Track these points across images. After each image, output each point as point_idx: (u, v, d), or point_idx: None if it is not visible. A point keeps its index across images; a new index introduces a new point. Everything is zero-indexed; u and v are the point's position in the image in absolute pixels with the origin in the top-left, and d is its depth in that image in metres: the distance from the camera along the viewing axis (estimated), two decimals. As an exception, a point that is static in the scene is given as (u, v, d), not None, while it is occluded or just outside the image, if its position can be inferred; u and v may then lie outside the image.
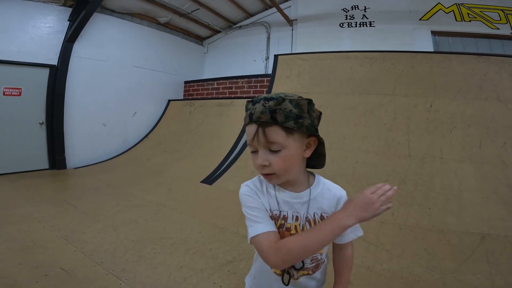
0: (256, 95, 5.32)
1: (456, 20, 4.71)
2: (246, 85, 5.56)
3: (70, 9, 4.70)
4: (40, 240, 2.23)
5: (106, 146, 5.16)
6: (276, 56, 5.25)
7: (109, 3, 5.05)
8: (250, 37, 6.47)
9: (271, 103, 0.63)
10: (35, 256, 1.98)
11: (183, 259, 1.98)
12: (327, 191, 0.74)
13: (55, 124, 4.56)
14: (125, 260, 1.93)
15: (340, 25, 5.41)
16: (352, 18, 5.33)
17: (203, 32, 6.88)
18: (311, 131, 0.66)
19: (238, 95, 5.62)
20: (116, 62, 5.33)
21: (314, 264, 0.75)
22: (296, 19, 5.85)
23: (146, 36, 5.81)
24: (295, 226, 0.72)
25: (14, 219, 2.60)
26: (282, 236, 0.70)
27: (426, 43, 4.74)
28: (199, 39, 7.16)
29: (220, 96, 5.89)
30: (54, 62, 4.59)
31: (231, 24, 6.69)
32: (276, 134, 0.63)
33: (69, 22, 4.69)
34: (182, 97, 6.59)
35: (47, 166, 4.62)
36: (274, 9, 5.92)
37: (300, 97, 0.66)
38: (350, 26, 5.33)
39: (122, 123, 5.42)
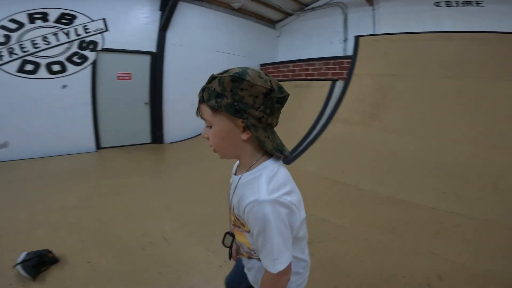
0: (336, 77, 5.13)
1: None
2: (324, 67, 5.33)
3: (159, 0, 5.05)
4: (147, 208, 2.49)
5: (195, 123, 5.62)
6: (357, 37, 4.92)
7: None
8: (324, 18, 6.14)
9: (207, 84, 0.63)
10: (142, 223, 2.21)
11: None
12: (250, 183, 0.64)
13: (156, 104, 5.17)
14: (213, 232, 2.02)
15: (435, 4, 4.71)
16: None
17: (274, 15, 6.76)
18: (230, 112, 0.60)
19: (315, 77, 5.45)
20: (200, 47, 5.67)
21: (245, 253, 0.75)
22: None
23: (223, 21, 5.98)
24: (229, 203, 0.74)
25: (128, 188, 3.01)
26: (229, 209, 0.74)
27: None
28: (271, 23, 7.08)
29: (296, 78, 5.77)
30: (153, 49, 5.10)
31: (302, 6, 6.41)
32: (204, 111, 0.64)
33: (160, 11, 5.08)
34: (257, 80, 6.67)
35: (149, 141, 5.34)
36: None
37: (236, 73, 0.59)
38: (449, 5, 4.58)
39: (207, 103, 5.81)
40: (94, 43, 4.49)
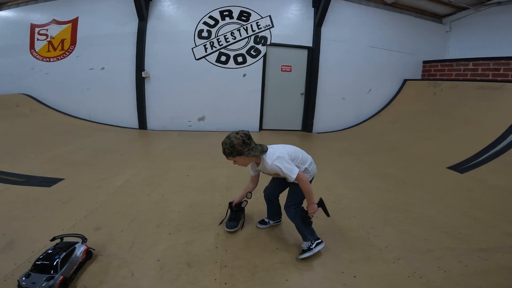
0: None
1: None
2: (525, 67, 4.03)
3: None
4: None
5: (343, 117, 5.56)
6: None
7: None
8: None
9: (223, 147, 1.46)
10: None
11: (427, 233, 1.85)
12: (266, 164, 1.46)
13: (310, 95, 5.35)
14: (374, 220, 2.01)
15: None
16: None
17: (440, 9, 5.70)
18: (239, 154, 1.44)
19: (509, 78, 4.21)
20: (353, 42, 5.42)
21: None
22: None
23: (377, 16, 5.49)
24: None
25: None
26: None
27: None
28: (437, 17, 5.98)
29: (478, 78, 4.67)
30: (310, 44, 5.23)
31: (483, 0, 5.12)
32: (231, 157, 1.47)
33: (313, 8, 5.12)
34: (420, 77, 5.86)
35: (300, 128, 5.62)
36: None
37: (235, 138, 1.43)
38: None
39: (358, 98, 5.60)
40: (265, 38, 5.01)
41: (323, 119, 5.46)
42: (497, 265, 1.52)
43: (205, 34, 4.79)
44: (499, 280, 1.39)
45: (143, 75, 4.69)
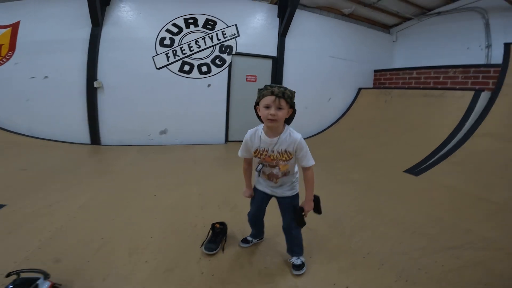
0: (476, 87, 4.48)
1: None
2: (461, 75, 4.74)
3: (276, 6, 5.30)
4: None
5: (306, 126, 5.78)
6: (507, 45, 4.24)
7: None
8: (455, 23, 5.50)
9: (281, 89, 1.28)
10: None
11: (402, 235, 1.99)
12: (288, 137, 1.35)
13: (275, 105, 5.44)
14: (352, 226, 2.08)
15: None
16: None
17: (389, 20, 6.38)
18: (292, 106, 1.33)
19: (448, 85, 4.87)
20: (315, 52, 5.74)
21: (282, 176, 1.45)
22: None
23: (335, 27, 5.94)
24: (272, 155, 1.39)
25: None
26: (267, 160, 1.42)
27: None
28: (385, 27, 6.72)
29: (421, 86, 5.27)
30: (274, 54, 5.40)
31: (424, 11, 5.89)
32: (283, 102, 1.27)
33: (278, 18, 5.34)
34: (371, 86, 6.40)
35: (265, 138, 5.65)
36: None
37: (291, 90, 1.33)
38: None
39: (319, 107, 5.91)
40: (230, 47, 5.02)
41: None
42: (469, 261, 1.68)
43: (167, 42, 4.62)
44: (476, 276, 1.53)
45: (95, 85, 4.30)
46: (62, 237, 1.78)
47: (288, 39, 5.41)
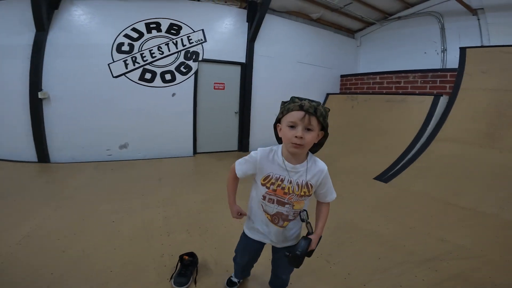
0: (435, 91, 4.76)
1: None
2: (420, 80, 5.01)
3: (245, 11, 5.21)
4: None
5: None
6: (463, 49, 4.54)
7: (271, 3, 5.26)
8: (414, 28, 5.83)
9: (314, 103, 0.98)
10: None
11: (380, 250, 1.99)
12: (314, 166, 1.08)
13: (245, 113, 5.35)
14: (329, 244, 2.02)
15: None
16: None
17: (354, 25, 6.63)
18: (325, 127, 1.03)
19: (409, 90, 5.12)
20: (283, 58, 5.74)
21: (293, 217, 1.15)
22: (482, 8, 4.86)
23: (303, 32, 6.00)
24: (289, 187, 1.07)
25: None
26: (279, 193, 1.09)
27: None
28: (350, 32, 6.96)
29: (385, 91, 5.51)
30: (243, 60, 5.29)
31: (386, 16, 6.18)
32: (314, 121, 0.98)
33: (247, 23, 5.26)
34: (338, 91, 6.55)
35: (236, 148, 5.53)
36: None
37: (325, 107, 1.02)
38: None
39: (289, 114, 5.82)
40: (196, 53, 4.81)
41: (258, 137, 5.52)
42: (449, 273, 1.69)
43: (126, 48, 4.27)
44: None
45: (40, 96, 3.82)
46: (3, 274, 1.51)
47: (257, 45, 5.32)
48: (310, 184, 1.06)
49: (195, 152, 4.97)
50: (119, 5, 4.24)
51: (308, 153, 1.09)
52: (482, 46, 4.54)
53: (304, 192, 1.07)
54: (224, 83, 5.19)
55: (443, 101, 4.39)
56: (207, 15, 4.89)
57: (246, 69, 5.28)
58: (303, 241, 1.04)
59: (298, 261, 1.02)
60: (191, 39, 4.77)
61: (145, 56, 4.39)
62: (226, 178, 1.23)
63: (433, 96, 4.45)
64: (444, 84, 4.67)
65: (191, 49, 4.77)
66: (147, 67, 4.42)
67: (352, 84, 6.28)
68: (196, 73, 4.82)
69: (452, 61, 4.88)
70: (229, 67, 5.22)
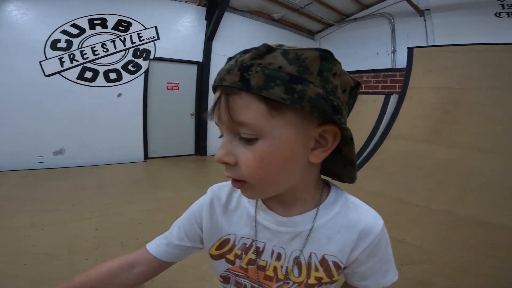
0: (386, 91, 5.01)
1: None
2: (372, 79, 5.26)
3: (204, 8, 5.13)
4: None
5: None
6: (410, 49, 4.82)
7: (232, 1, 5.26)
8: (368, 29, 6.12)
9: (247, 55, 0.35)
10: None
11: None
12: (344, 219, 0.45)
13: (201, 115, 5.20)
14: None
15: (496, 14, 4.63)
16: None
17: (314, 26, 6.82)
18: (324, 112, 0.34)
19: (363, 90, 5.34)
20: (243, 58, 5.67)
21: None
22: (429, 9, 5.23)
23: (264, 32, 6.04)
24: (274, 266, 0.46)
25: (186, 201, 2.93)
26: (253, 276, 0.47)
27: None
28: (311, 34, 7.15)
29: (342, 91, 5.67)
30: (200, 59, 5.17)
31: (344, 17, 6.45)
32: (248, 108, 0.34)
33: (206, 21, 5.17)
34: (300, 92, 6.63)
35: (193, 152, 5.34)
36: (394, 0, 5.50)
37: (321, 49, 0.35)
38: (511, 16, 4.47)
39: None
40: (147, 52, 4.59)
41: (217, 140, 5.31)
42: (412, 280, 1.69)
43: (62, 44, 3.92)
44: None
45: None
46: None
47: (216, 44, 5.22)
48: (334, 262, 0.45)
49: (146, 157, 4.70)
50: (59, 0, 3.90)
51: (326, 184, 0.50)
52: (427, 46, 4.88)
53: (318, 279, 0.45)
54: (178, 83, 5.01)
55: (393, 99, 4.62)
56: (163, 12, 4.71)
57: (203, 68, 5.16)
58: None
59: None
60: (141, 37, 4.54)
61: (85, 54, 4.07)
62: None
63: (384, 95, 4.68)
64: (394, 83, 4.94)
65: (142, 47, 4.54)
66: (88, 65, 4.10)
67: (312, 85, 6.42)
68: (146, 72, 4.58)
69: (402, 61, 5.17)
70: (184, 66, 5.06)
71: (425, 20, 5.30)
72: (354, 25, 6.34)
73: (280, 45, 0.36)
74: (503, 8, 4.52)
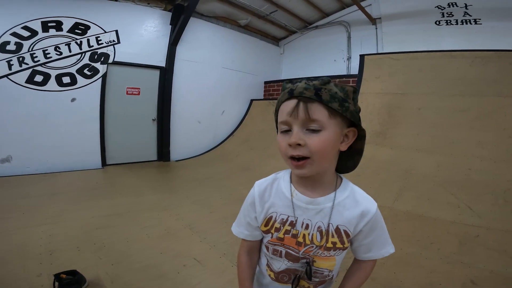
0: (342, 96, 5.42)
1: None
2: (330, 85, 5.61)
3: (170, 13, 5.24)
4: (171, 228, 2.48)
5: (200, 141, 5.77)
6: (362, 56, 5.28)
7: (198, 7, 5.41)
8: (327, 37, 6.57)
9: (315, 82, 0.60)
10: (171, 245, 2.19)
11: None
12: (352, 201, 0.67)
13: (164, 120, 5.25)
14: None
15: (436, 23, 5.20)
16: (450, 15, 5.08)
17: (279, 33, 7.18)
18: (355, 119, 0.61)
19: (321, 95, 5.71)
20: (208, 63, 5.87)
21: (318, 280, 0.72)
22: (380, 18, 5.77)
23: (230, 38, 6.27)
24: (303, 234, 0.67)
25: (145, 206, 2.99)
26: (288, 244, 0.69)
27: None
28: (275, 40, 7.50)
29: (302, 96, 6.04)
30: (163, 64, 5.25)
31: (306, 24, 6.88)
32: (319, 111, 0.58)
33: (170, 26, 5.28)
34: (262, 97, 7.00)
35: (155, 158, 5.35)
36: (352, 8, 6.00)
37: (348, 85, 0.63)
38: (449, 23, 5.09)
39: (213, 120, 6.00)
40: (106, 55, 4.57)
41: (180, 145, 5.47)
42: (376, 274, 1.76)
43: (11, 47, 3.80)
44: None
45: None
46: None
47: (180, 48, 5.33)
48: (345, 230, 0.67)
49: (104, 164, 4.64)
50: (11, 2, 3.80)
51: (339, 176, 0.71)
52: (376, 54, 5.38)
53: (334, 244, 0.67)
54: (139, 88, 5.03)
55: (347, 104, 5.05)
56: (125, 16, 4.74)
57: (166, 73, 5.23)
58: None
59: None
60: (100, 40, 4.52)
61: (36, 57, 3.97)
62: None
63: (340, 101, 5.08)
64: (348, 89, 5.39)
65: (100, 51, 4.51)
66: (39, 68, 4.00)
67: (274, 90, 6.79)
68: (104, 76, 4.55)
69: (356, 68, 5.65)
70: (146, 71, 5.09)
71: (376, 28, 5.84)
72: (315, 33, 6.79)
73: (330, 80, 0.62)
74: (443, 16, 5.10)
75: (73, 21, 4.28)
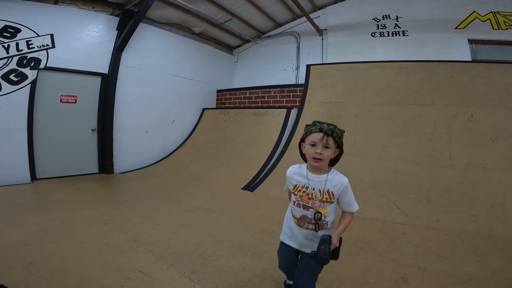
0: (289, 105, 5.80)
1: (493, 29, 4.80)
2: (278, 94, 5.99)
3: (117, 18, 5.16)
4: (112, 242, 2.43)
5: (148, 152, 5.65)
6: (308, 66, 5.64)
7: (150, 13, 5.31)
8: (279, 46, 6.92)
9: (331, 126, 1.36)
10: (113, 258, 2.15)
11: (243, 261, 2.16)
12: (335, 177, 1.41)
13: (105, 130, 5.07)
14: (193, 262, 2.12)
15: (372, 34, 5.71)
16: (383, 27, 5.62)
17: (233, 41, 7.38)
18: (341, 145, 1.40)
19: (271, 104, 6.06)
20: (157, 71, 5.83)
21: (317, 224, 1.41)
22: (326, 29, 6.21)
23: (183, 45, 6.32)
24: (312, 193, 1.42)
25: (82, 221, 2.87)
26: (304, 199, 1.43)
27: (463, 52, 4.87)
28: (229, 48, 7.68)
29: (253, 105, 6.33)
30: (105, 70, 5.11)
31: (260, 34, 7.18)
32: (331, 140, 1.35)
33: (117, 31, 5.19)
34: (214, 106, 7.08)
35: (97, 171, 5.13)
36: (303, 19, 6.38)
37: (342, 129, 1.42)
38: (382, 35, 5.61)
39: (162, 130, 5.93)
40: (37, 60, 4.35)
41: (126, 157, 5.32)
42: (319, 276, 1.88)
43: None
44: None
45: None
46: None
47: (127, 55, 5.22)
48: (331, 192, 1.39)
49: (34, 178, 4.34)
50: None
51: (329, 168, 1.44)
52: (320, 64, 5.72)
53: (326, 198, 1.39)
54: (76, 96, 4.83)
55: (293, 113, 5.35)
56: (64, 19, 4.56)
57: (108, 80, 5.07)
58: (322, 237, 1.33)
59: (322, 257, 1.27)
60: (31, 44, 4.30)
61: (-48, 61, 3.66)
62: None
63: (286, 109, 5.41)
64: (295, 98, 5.74)
65: (30, 55, 4.28)
66: (-46, 74, 3.68)
67: (226, 99, 6.93)
68: (34, 83, 4.32)
69: (303, 77, 5.95)
70: (84, 78, 4.90)
71: (322, 39, 6.28)
72: (268, 42, 7.10)
73: (331, 124, 1.42)
74: (378, 28, 5.60)
75: (2, 24, 4.05)
